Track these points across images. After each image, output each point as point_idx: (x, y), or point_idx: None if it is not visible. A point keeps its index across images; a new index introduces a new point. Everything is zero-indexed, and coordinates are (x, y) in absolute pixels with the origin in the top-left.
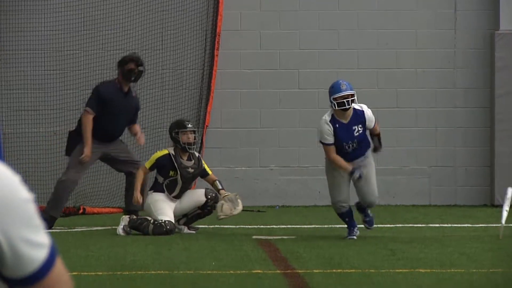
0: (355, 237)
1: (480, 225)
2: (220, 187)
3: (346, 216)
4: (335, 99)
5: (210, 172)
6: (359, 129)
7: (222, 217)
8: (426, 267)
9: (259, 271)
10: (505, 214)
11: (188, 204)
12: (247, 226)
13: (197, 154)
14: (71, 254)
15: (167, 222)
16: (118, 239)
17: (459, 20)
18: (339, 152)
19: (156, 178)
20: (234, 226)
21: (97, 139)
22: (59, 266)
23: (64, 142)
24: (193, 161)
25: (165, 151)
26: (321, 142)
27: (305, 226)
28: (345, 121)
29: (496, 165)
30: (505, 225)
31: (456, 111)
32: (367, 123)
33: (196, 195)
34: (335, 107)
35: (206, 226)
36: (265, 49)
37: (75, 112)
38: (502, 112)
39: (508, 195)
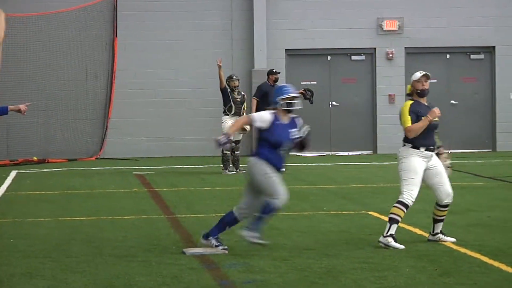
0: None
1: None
2: None
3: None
4: (283, 99)
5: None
6: (295, 133)
7: None
8: (219, 186)
9: (136, 190)
10: None
11: None
12: (131, 167)
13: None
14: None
15: None
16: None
17: (234, 60)
18: (276, 150)
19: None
20: (124, 168)
21: None
22: None
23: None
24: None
25: None
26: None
27: (159, 167)
28: (285, 122)
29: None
30: None
31: None
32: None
33: None
34: (282, 107)
35: (109, 168)
36: (139, 80)
37: None
38: None
39: None
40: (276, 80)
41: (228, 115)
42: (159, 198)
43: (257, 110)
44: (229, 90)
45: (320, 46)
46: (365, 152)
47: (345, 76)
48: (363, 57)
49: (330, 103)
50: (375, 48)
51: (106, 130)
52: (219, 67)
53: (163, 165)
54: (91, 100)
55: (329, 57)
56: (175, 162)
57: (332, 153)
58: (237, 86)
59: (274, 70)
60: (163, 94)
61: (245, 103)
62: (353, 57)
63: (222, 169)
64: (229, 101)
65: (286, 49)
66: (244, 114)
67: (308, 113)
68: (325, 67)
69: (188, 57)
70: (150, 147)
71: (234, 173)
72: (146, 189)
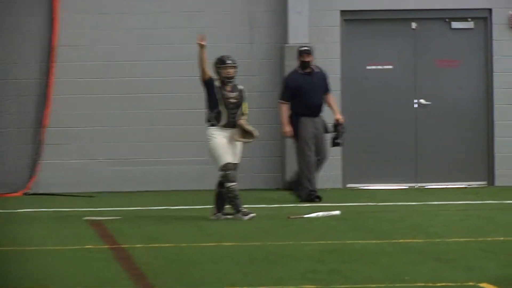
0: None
1: (274, 205)
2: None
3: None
4: None
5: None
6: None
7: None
8: (230, 240)
9: (90, 246)
10: (313, 215)
11: None
12: (81, 208)
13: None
14: None
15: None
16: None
17: (254, 30)
18: None
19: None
20: (70, 209)
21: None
22: None
23: None
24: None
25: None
26: None
27: (129, 208)
28: None
29: (287, 155)
30: (305, 216)
31: (252, 111)
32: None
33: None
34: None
35: (47, 209)
36: (98, 61)
37: None
38: None
39: (326, 213)
40: (304, 65)
41: (215, 125)
42: (130, 260)
43: (291, 116)
44: (217, 84)
45: (398, 6)
46: (474, 184)
47: (441, 56)
48: (470, 25)
49: (415, 101)
50: (490, 10)
51: (40, 148)
52: (201, 47)
53: (135, 206)
54: (13, 97)
55: (414, 25)
56: (155, 201)
57: (419, 185)
58: (232, 78)
59: (303, 48)
60: (135, 86)
61: (242, 105)
62: (454, 25)
63: (228, 212)
64: (216, 104)
65: (341, 11)
66: (244, 122)
67: (380, 118)
68: (407, 40)
69: (174, 24)
70: (113, 174)
71: (250, 217)
72: (107, 246)
